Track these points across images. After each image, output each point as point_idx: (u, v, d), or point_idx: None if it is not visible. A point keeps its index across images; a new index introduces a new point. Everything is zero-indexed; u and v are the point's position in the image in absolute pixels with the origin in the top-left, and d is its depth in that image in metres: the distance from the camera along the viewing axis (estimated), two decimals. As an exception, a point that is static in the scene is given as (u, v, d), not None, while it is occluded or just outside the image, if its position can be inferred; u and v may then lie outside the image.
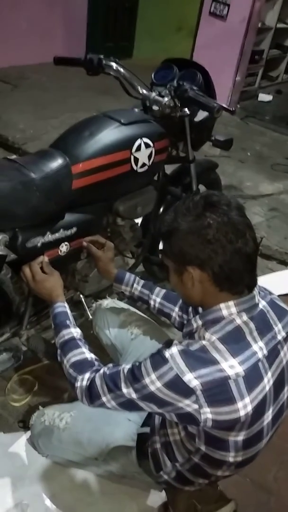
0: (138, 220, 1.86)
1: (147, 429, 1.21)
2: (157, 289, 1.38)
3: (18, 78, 4.60)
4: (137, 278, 1.40)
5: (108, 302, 1.55)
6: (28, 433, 1.46)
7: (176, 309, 1.34)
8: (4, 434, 1.50)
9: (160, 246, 2.09)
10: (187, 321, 1.25)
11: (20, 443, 1.47)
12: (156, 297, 1.36)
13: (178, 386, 0.87)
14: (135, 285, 1.38)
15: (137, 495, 1.38)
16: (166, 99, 1.52)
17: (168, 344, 0.93)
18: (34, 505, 1.32)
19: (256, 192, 3.37)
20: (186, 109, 1.56)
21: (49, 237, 1.31)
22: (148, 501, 1.38)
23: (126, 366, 0.98)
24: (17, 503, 1.31)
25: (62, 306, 1.22)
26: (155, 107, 1.55)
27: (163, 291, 1.38)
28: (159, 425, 1.16)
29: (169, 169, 1.86)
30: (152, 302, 1.37)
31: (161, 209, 1.87)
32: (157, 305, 1.36)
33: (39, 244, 1.29)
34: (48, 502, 1.34)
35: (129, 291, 1.40)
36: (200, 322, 0.98)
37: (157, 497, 1.38)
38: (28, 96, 4.19)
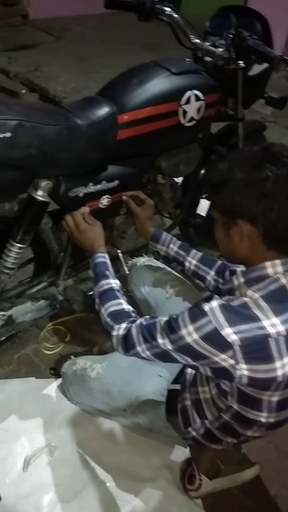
0: (179, 180, 1.81)
1: (177, 386, 1.21)
2: (194, 251, 1.35)
3: (61, 29, 4.49)
4: (174, 239, 1.37)
5: (144, 260, 1.53)
6: (59, 380, 1.50)
7: (212, 272, 1.31)
8: (36, 379, 1.54)
9: (199, 210, 2.06)
10: (224, 281, 1.22)
11: (51, 389, 1.51)
12: (192, 259, 1.33)
13: (215, 339, 0.85)
14: (171, 245, 1.36)
15: (162, 449, 1.41)
16: (220, 49, 1.43)
17: (208, 299, 0.91)
18: (61, 448, 1.37)
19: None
20: (241, 62, 1.47)
21: (91, 188, 1.29)
22: (172, 455, 1.41)
23: (163, 318, 0.97)
24: (46, 444, 1.36)
25: (103, 257, 1.21)
26: (207, 58, 1.46)
27: (200, 253, 1.35)
28: (190, 383, 1.16)
29: (213, 129, 1.78)
30: (187, 264, 1.34)
31: (204, 170, 1.80)
32: (192, 267, 1.34)
33: (81, 194, 1.27)
34: (74, 446, 1.38)
35: (164, 250, 1.37)
36: (242, 280, 0.95)
37: (181, 453, 1.41)
38: (70, 49, 4.09)
